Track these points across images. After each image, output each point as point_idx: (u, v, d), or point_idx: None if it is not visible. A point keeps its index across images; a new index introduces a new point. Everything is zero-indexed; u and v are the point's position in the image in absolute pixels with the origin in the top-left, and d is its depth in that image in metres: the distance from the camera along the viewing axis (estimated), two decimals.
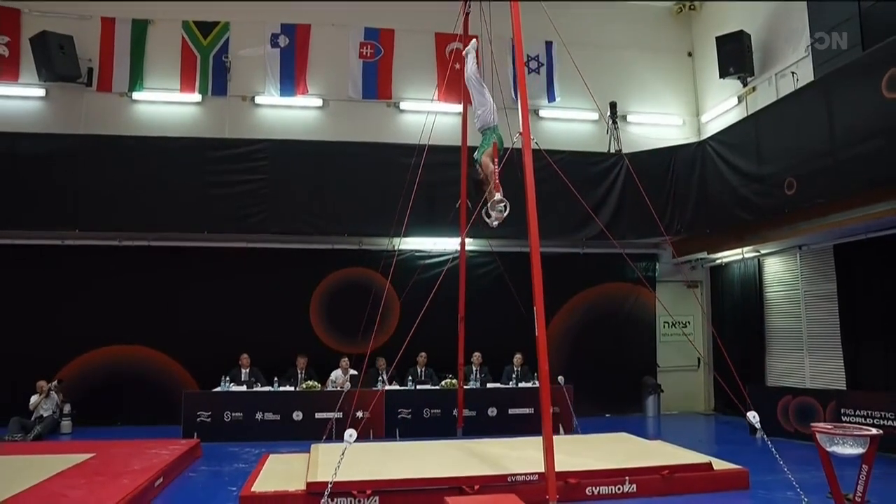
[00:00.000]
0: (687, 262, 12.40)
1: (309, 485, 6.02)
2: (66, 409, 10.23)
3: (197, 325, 10.97)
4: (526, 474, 6.38)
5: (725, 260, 11.65)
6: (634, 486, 6.51)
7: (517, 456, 7.13)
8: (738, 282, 11.56)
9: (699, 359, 12.64)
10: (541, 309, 5.80)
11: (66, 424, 10.19)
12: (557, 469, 6.49)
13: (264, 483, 6.34)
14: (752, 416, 6.30)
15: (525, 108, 6.48)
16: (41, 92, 11.37)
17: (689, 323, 12.68)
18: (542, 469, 6.47)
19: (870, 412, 8.27)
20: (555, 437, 8.94)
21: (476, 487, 6.17)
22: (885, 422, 7.92)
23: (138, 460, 7.17)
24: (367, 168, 10.83)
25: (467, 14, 9.04)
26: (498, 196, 7.08)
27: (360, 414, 9.67)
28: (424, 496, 6.11)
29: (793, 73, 9.84)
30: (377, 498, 6.02)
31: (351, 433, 5.42)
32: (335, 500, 5.97)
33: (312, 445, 7.76)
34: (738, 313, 11.62)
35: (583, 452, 7.29)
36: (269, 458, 7.50)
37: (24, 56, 11.21)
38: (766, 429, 9.38)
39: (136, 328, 10.90)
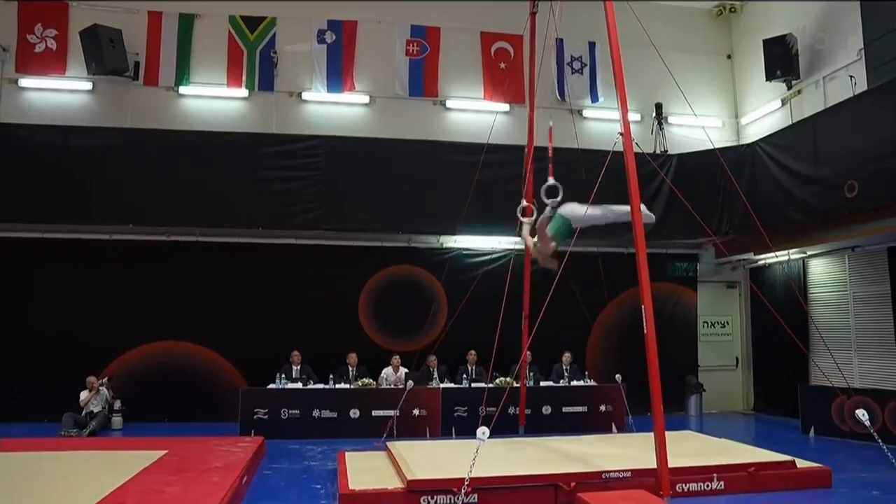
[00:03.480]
0: (727, 263, 12.52)
1: (409, 482, 6.02)
2: (117, 405, 10.17)
3: (244, 322, 10.92)
4: (619, 471, 6.42)
5: (769, 261, 11.74)
6: (722, 483, 6.56)
7: (600, 453, 7.17)
8: (781, 282, 11.65)
9: (737, 358, 12.80)
10: (649, 306, 5.85)
11: (116, 420, 10.14)
12: (645, 466, 6.60)
13: (357, 481, 6.31)
14: (862, 414, 6.33)
15: (625, 110, 6.55)
16: (88, 85, 11.28)
17: (727, 323, 12.82)
18: (631, 466, 6.57)
19: None
20: (624, 436, 9.14)
21: (572, 485, 6.19)
22: None
23: (215, 458, 7.14)
24: (419, 166, 10.82)
25: (534, 14, 9.00)
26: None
27: (416, 412, 9.77)
28: (521, 493, 6.16)
29: (850, 76, 9.93)
30: (476, 495, 6.03)
31: (484, 430, 5.42)
32: (435, 497, 6.00)
33: (389, 443, 7.77)
34: (781, 314, 11.69)
35: None
36: (346, 456, 7.45)
37: (71, 49, 11.12)
38: (819, 428, 9.61)
39: (183, 324, 10.86)
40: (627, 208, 6.69)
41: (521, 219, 8.26)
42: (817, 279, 11.11)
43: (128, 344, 10.71)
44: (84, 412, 9.84)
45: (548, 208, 7.11)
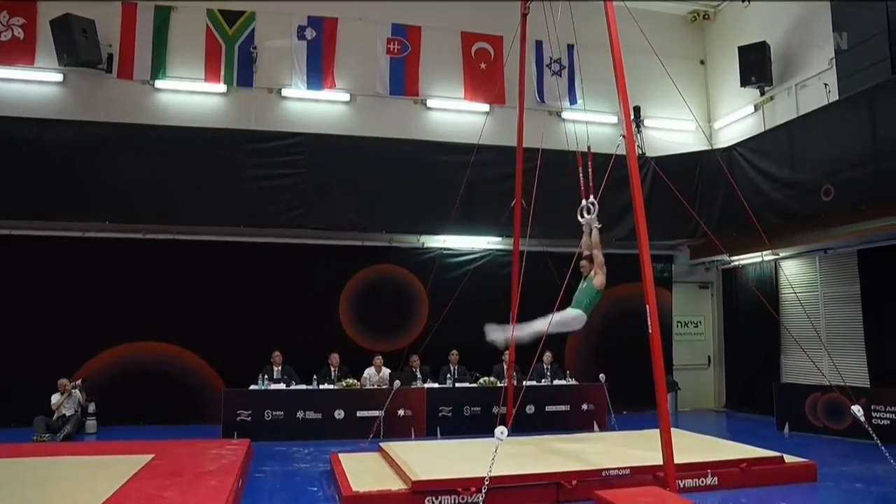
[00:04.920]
0: (701, 264, 12.82)
1: (414, 483, 5.98)
2: (91, 408, 9.85)
3: (222, 322, 10.69)
4: (619, 469, 6.51)
5: (743, 262, 12.05)
6: (716, 478, 6.73)
7: (596, 451, 7.28)
8: (754, 283, 11.96)
9: (709, 357, 13.12)
10: (653, 306, 5.94)
11: (90, 424, 9.84)
12: (641, 464, 6.71)
13: (359, 483, 6.24)
14: (857, 410, 6.54)
15: (627, 114, 6.65)
16: (58, 77, 10.87)
17: (700, 323, 13.13)
18: (628, 463, 6.67)
19: None
20: (615, 434, 9.25)
21: (574, 483, 6.27)
22: None
23: (205, 461, 6.97)
24: (404, 165, 10.77)
25: (525, 15, 9.04)
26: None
27: (401, 412, 9.71)
28: (523, 491, 6.20)
29: (825, 84, 10.28)
30: (480, 495, 6.02)
31: (503, 430, 5.41)
32: (439, 497, 5.99)
33: (382, 444, 7.70)
34: (754, 314, 12.03)
35: (653, 447, 7.37)
36: (340, 457, 7.35)
37: (40, 39, 10.69)
38: (794, 424, 9.91)
39: (159, 324, 10.57)
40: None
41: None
42: (790, 280, 11.43)
43: (101, 345, 10.39)
44: (56, 416, 9.49)
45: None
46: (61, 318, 10.21)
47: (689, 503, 5.22)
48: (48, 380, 9.63)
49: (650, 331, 5.94)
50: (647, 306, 5.97)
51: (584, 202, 7.46)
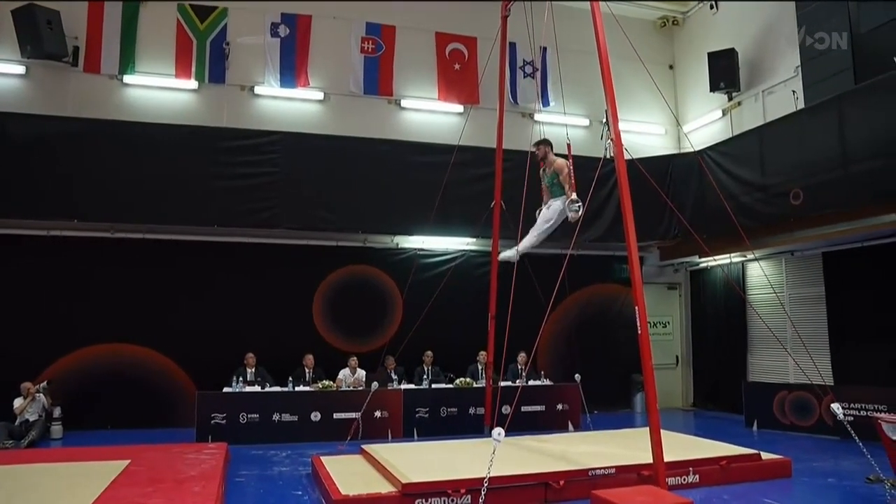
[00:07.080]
0: (670, 266, 13.05)
1: (405, 486, 5.94)
2: (57, 412, 9.50)
3: (192, 323, 10.47)
4: (604, 468, 6.57)
5: (711, 264, 12.31)
6: (697, 476, 6.86)
7: (579, 451, 7.33)
8: (721, 284, 12.26)
9: (677, 357, 13.37)
10: (643, 309, 6.02)
11: (56, 429, 9.47)
12: (625, 463, 6.80)
13: (347, 486, 6.16)
14: (837, 408, 6.73)
15: (615, 117, 6.72)
16: (21, 69, 10.48)
17: (668, 323, 13.37)
18: (612, 463, 6.74)
19: (863, 405, 9.02)
20: (595, 433, 9.35)
21: (561, 483, 6.32)
22: (879, 413, 8.70)
23: (185, 466, 6.82)
24: (379, 165, 10.70)
25: (505, 17, 9.07)
26: (574, 196, 7.32)
27: (378, 413, 9.65)
28: (512, 492, 6.18)
29: (793, 91, 10.58)
30: (469, 496, 6.02)
31: (499, 431, 5.40)
32: (429, 500, 5.96)
33: (365, 447, 7.61)
34: (721, 314, 12.32)
35: (634, 446, 7.54)
36: (322, 460, 7.24)
37: (1, 30, 10.25)
38: (762, 422, 10.17)
39: (127, 326, 10.27)
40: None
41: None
42: (756, 281, 11.74)
43: (66, 347, 10.05)
44: (18, 421, 9.14)
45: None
46: (24, 319, 9.85)
47: (686, 501, 5.30)
48: (10, 384, 9.25)
49: (639, 332, 6.02)
50: (636, 308, 6.07)
51: (573, 195, 7.44)
